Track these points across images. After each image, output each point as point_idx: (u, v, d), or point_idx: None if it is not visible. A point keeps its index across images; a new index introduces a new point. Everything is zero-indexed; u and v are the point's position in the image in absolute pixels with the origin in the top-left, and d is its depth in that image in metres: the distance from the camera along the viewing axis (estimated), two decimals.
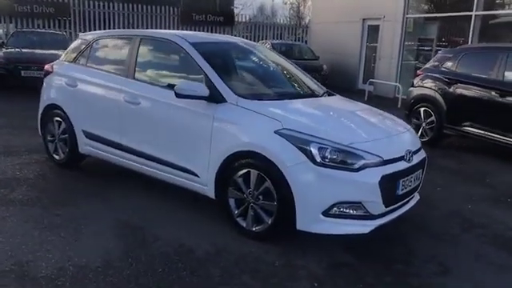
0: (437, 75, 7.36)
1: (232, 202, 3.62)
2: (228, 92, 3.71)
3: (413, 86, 7.88)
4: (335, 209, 3.22)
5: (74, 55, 5.07)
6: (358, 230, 3.28)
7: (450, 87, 7.04)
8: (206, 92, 3.67)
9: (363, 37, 14.46)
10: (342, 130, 3.53)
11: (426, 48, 12.69)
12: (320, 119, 3.79)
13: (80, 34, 5.33)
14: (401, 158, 3.49)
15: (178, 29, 15.96)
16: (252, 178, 3.44)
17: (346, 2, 14.75)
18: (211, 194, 3.75)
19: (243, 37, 16.95)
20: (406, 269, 3.23)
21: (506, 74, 6.34)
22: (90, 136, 4.70)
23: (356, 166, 3.21)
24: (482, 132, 6.55)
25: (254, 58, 4.62)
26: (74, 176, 4.83)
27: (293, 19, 28.09)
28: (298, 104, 4.01)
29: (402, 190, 3.48)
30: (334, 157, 3.21)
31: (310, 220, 3.24)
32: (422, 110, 7.44)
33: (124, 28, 15.31)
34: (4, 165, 5.09)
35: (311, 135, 3.28)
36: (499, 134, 6.33)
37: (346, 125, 3.76)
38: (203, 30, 16.18)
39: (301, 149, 3.23)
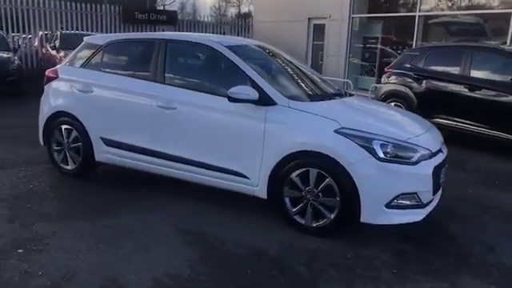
0: (406, 72, 7.93)
1: (287, 200, 3.74)
2: (277, 95, 3.81)
3: (380, 82, 8.42)
4: (395, 200, 3.48)
5: (82, 60, 4.84)
6: (413, 218, 3.56)
7: (419, 83, 7.64)
8: (256, 95, 3.74)
9: (309, 35, 14.98)
10: (394, 127, 3.80)
11: (371, 46, 13.46)
12: (369, 117, 4.02)
13: (86, 38, 5.08)
14: (440, 150, 3.84)
15: (119, 28, 15.42)
16: (311, 176, 3.59)
17: (290, 2, 15.16)
18: (262, 194, 3.84)
19: None
20: (458, 250, 3.57)
21: (473, 70, 7.03)
22: (110, 143, 4.54)
23: (413, 160, 3.49)
24: (453, 123, 7.19)
25: (280, 61, 4.74)
26: (94, 186, 4.65)
27: (215, 17, 28.08)
28: (338, 104, 4.21)
29: (442, 178, 3.83)
30: (395, 152, 3.45)
31: (374, 212, 3.46)
32: (393, 104, 7.97)
33: (57, 28, 14.43)
34: (9, 178, 4.75)
35: (371, 133, 3.50)
36: (468, 124, 7.00)
37: (392, 122, 4.02)
38: (146, 29, 15.77)
39: (363, 146, 3.45)
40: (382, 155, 3.42)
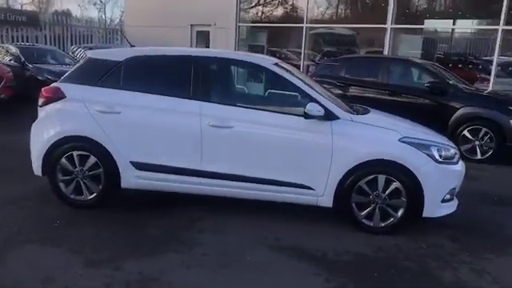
0: (329, 80, 8.81)
1: (354, 206, 4.09)
2: (338, 110, 4.13)
3: None
4: (446, 195, 4.14)
5: (93, 77, 4.35)
6: (452, 209, 4.27)
7: (344, 90, 8.59)
8: (323, 112, 4.01)
9: (193, 42, 15.08)
10: (430, 134, 4.43)
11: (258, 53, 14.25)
12: (413, 127, 4.54)
13: (90, 53, 4.53)
14: None
15: None
16: (379, 182, 4.02)
17: (169, 7, 15.02)
18: (328, 203, 4.13)
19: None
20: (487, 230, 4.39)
21: (391, 78, 8.27)
22: (143, 167, 4.24)
23: (455, 160, 4.20)
24: None
25: (302, 77, 4.95)
26: (123, 215, 4.26)
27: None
28: (382, 116, 4.68)
29: None
30: (445, 155, 4.11)
31: (433, 208, 4.07)
32: None
33: None
34: (22, 216, 4.04)
35: (427, 140, 4.11)
36: None
37: (423, 130, 4.63)
38: (6, 32, 13.82)
39: (424, 152, 4.02)
40: (438, 158, 4.04)
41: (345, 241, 3.93)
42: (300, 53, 12.87)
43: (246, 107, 4.21)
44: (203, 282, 3.14)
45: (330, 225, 4.22)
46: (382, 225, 4.10)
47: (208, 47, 14.74)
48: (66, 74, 4.55)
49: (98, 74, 4.37)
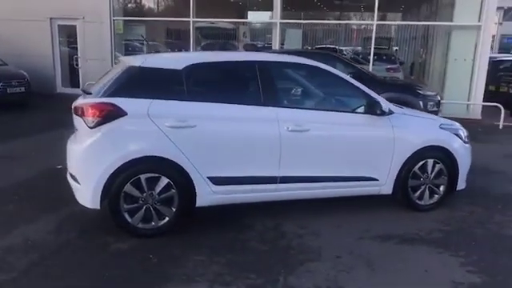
0: None
1: (410, 189, 4.62)
2: (391, 105, 4.56)
3: None
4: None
5: (153, 89, 3.85)
6: (465, 184, 5.09)
7: None
8: (388, 108, 4.40)
9: (54, 37, 13.39)
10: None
11: (137, 49, 13.49)
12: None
13: (128, 60, 3.91)
14: None
15: None
16: (429, 165, 4.61)
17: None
18: (388, 190, 4.55)
19: None
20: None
21: None
22: (222, 181, 3.99)
23: (467, 140, 5.05)
24: None
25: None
26: (221, 237, 3.97)
27: None
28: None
29: None
30: (466, 135, 4.91)
31: (462, 182, 4.83)
32: None
33: None
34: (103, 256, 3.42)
35: (455, 125, 4.84)
36: None
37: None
38: None
39: (456, 135, 4.75)
40: (465, 139, 4.81)
41: (413, 221, 4.40)
42: (183, 47, 12.68)
43: (317, 109, 4.30)
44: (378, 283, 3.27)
45: (384, 210, 4.62)
46: (431, 202, 4.70)
47: (74, 43, 13.34)
48: (109, 87, 3.89)
49: (156, 85, 3.89)
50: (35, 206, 4.52)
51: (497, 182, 5.81)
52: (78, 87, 12.68)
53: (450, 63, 11.41)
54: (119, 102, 3.73)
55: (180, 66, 3.95)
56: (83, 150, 3.72)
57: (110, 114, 3.69)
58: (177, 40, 13.32)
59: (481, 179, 5.64)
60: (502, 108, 9.89)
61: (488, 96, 11.10)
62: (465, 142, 4.79)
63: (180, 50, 13.35)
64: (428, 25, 14.74)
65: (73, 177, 3.86)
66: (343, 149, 4.32)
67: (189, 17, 12.49)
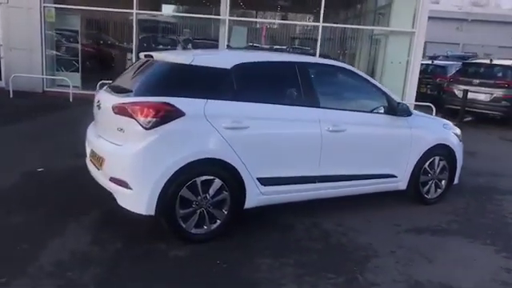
0: None
1: (420, 185, 4.99)
2: (408, 106, 4.87)
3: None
4: None
5: (204, 88, 3.70)
6: None
7: None
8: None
9: None
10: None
11: (71, 40, 12.50)
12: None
13: (190, 57, 3.67)
14: None
15: None
16: (436, 162, 5.02)
17: None
18: (403, 186, 4.88)
19: None
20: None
21: None
22: (269, 182, 3.98)
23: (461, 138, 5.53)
24: None
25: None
26: (272, 241, 3.94)
27: None
28: None
29: None
30: (460, 134, 5.40)
31: (457, 177, 5.34)
32: None
33: None
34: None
35: (450, 124, 5.31)
36: None
37: None
38: None
39: (454, 133, 5.22)
40: (460, 137, 5.31)
41: (426, 214, 4.76)
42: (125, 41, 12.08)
43: (350, 110, 4.45)
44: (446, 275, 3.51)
45: (395, 204, 4.93)
46: (435, 196, 5.12)
47: None
48: (154, 85, 3.68)
49: (207, 85, 3.74)
50: (48, 216, 4.09)
51: (465, 177, 6.43)
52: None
53: (387, 65, 12.30)
54: (176, 101, 3.53)
55: (229, 65, 3.84)
56: (137, 152, 3.46)
57: (168, 115, 3.47)
58: (116, 32, 12.59)
59: None
60: (433, 107, 10.88)
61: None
62: (460, 141, 5.27)
63: (123, 44, 12.66)
64: (357, 28, 15.62)
65: (118, 181, 3.55)
66: (371, 148, 4.53)
67: (132, 8, 11.91)
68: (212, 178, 3.66)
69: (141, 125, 3.45)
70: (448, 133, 5.12)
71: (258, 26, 15.40)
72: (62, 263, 3.27)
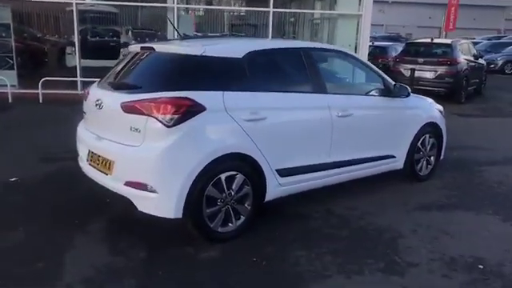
0: None
1: (415, 162, 5.12)
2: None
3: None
4: None
5: (218, 79, 3.51)
6: None
7: None
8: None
9: None
10: None
11: (3, 34, 11.39)
12: None
13: (200, 47, 3.41)
14: None
15: None
16: (427, 140, 5.17)
17: None
18: (400, 166, 4.98)
19: None
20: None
21: None
22: (287, 173, 3.88)
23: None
24: None
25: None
26: (297, 235, 3.83)
27: None
28: None
29: None
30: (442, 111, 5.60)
31: (443, 153, 5.55)
32: None
33: None
34: None
35: (434, 102, 5.48)
36: None
37: None
38: None
39: (439, 111, 5.41)
40: (442, 113, 5.50)
41: (423, 191, 4.92)
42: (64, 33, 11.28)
43: (354, 94, 4.44)
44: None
45: (391, 183, 5.02)
46: (427, 173, 5.29)
47: None
48: (165, 79, 3.43)
49: (221, 76, 3.54)
50: (48, 229, 3.72)
51: None
52: None
53: None
54: (195, 95, 3.31)
55: (240, 55, 3.66)
56: (161, 153, 3.20)
57: (189, 110, 3.24)
58: (55, 25, 11.66)
59: None
60: None
61: None
62: (443, 116, 5.47)
63: (59, 37, 11.79)
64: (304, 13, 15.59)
65: (137, 185, 3.27)
66: (375, 131, 4.57)
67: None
68: (235, 173, 3.49)
69: (162, 123, 3.19)
70: (435, 111, 5.29)
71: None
72: (91, 279, 2.97)
